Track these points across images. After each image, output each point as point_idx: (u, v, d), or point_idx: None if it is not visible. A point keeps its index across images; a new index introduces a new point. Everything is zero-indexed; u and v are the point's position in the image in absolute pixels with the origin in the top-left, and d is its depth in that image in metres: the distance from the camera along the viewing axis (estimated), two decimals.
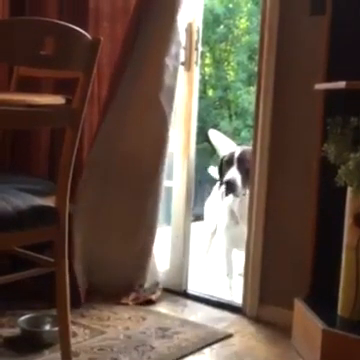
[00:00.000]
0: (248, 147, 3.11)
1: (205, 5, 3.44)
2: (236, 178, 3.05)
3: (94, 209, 2.95)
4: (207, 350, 2.50)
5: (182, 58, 2.95)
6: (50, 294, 2.17)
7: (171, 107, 2.88)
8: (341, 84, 2.21)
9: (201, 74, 4.43)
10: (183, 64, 2.99)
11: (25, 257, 2.21)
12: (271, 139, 2.74)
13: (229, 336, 2.63)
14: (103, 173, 2.94)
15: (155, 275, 3.08)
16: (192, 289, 3.14)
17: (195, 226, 3.55)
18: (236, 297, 3.05)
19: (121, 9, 2.88)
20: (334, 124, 2.32)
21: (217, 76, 7.27)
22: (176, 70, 2.87)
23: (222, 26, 7.11)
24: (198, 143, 3.36)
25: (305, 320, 2.44)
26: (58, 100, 2.04)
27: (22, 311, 2.59)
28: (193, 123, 3.09)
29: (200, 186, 5.90)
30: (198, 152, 3.38)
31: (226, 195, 3.13)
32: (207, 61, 7.20)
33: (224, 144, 3.49)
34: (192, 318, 2.82)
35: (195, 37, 3.01)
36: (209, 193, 3.71)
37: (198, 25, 3.02)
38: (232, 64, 7.30)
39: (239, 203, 3.12)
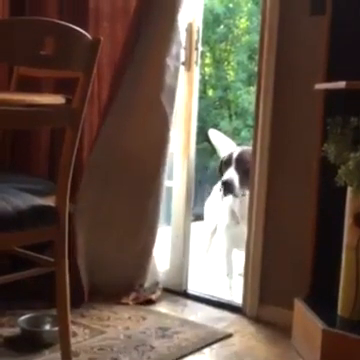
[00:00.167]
0: (248, 147, 3.11)
1: (205, 5, 3.44)
2: (233, 178, 3.05)
3: (95, 209, 2.95)
4: (207, 350, 2.50)
5: (182, 58, 2.96)
6: (50, 294, 2.17)
7: (172, 107, 2.88)
8: (341, 84, 2.21)
9: (201, 74, 4.43)
10: (183, 64, 2.99)
11: (25, 257, 2.21)
12: (271, 139, 2.74)
13: (229, 336, 2.63)
14: (104, 173, 2.94)
15: (155, 275, 3.08)
16: (192, 289, 3.14)
17: (195, 226, 3.56)
18: (236, 297, 3.05)
19: (121, 9, 2.88)
20: (334, 124, 2.32)
21: (217, 76, 7.27)
22: (177, 70, 2.87)
23: (222, 26, 7.11)
24: (198, 143, 3.37)
25: (305, 320, 2.44)
26: (58, 100, 2.04)
27: (22, 311, 2.59)
28: (193, 123, 3.09)
29: (200, 186, 5.91)
30: (198, 152, 3.39)
31: (224, 195, 3.14)
32: (207, 61, 7.20)
33: (224, 144, 3.49)
34: (192, 318, 2.82)
35: (195, 37, 3.01)
36: (209, 193, 3.71)
37: (198, 25, 3.02)
38: (232, 64, 7.30)
39: (240, 203, 3.12)
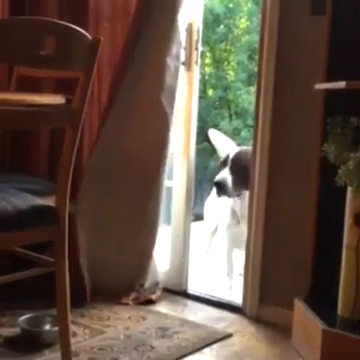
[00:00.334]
0: (247, 147, 3.11)
1: (205, 5, 3.44)
2: (226, 179, 3.06)
3: (96, 210, 2.95)
4: (207, 350, 2.50)
5: (182, 58, 2.96)
6: (50, 294, 2.17)
7: (172, 107, 2.88)
8: (341, 84, 2.21)
9: (201, 74, 4.44)
10: (183, 64, 3.00)
11: (25, 257, 2.21)
12: (271, 139, 2.74)
13: (229, 336, 2.63)
14: (104, 174, 2.94)
15: (155, 275, 3.08)
16: (192, 289, 3.14)
17: (195, 226, 3.56)
18: (236, 297, 3.05)
19: (121, 9, 2.87)
20: (334, 124, 2.32)
21: (217, 76, 7.26)
22: (177, 70, 2.87)
23: (222, 26, 7.11)
24: (198, 143, 3.37)
25: (305, 320, 2.44)
26: (58, 100, 2.04)
27: (22, 311, 2.59)
28: (193, 123, 3.09)
29: (200, 186, 5.91)
30: (198, 152, 3.39)
31: (218, 196, 3.15)
32: (207, 61, 7.20)
33: (224, 144, 3.48)
34: (192, 318, 2.82)
35: (195, 37, 3.01)
36: (209, 193, 3.71)
37: (198, 25, 3.02)
38: (232, 64, 7.30)
39: (241, 203, 3.12)
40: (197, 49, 3.03)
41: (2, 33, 1.79)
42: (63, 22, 1.94)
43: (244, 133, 6.78)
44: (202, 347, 2.51)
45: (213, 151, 4.28)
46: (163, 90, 2.85)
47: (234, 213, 3.19)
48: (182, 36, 2.88)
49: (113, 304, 2.88)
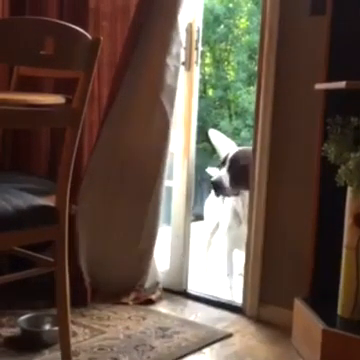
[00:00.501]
0: (247, 147, 3.11)
1: (205, 5, 3.44)
2: (223, 178, 3.06)
3: (96, 210, 2.95)
4: (207, 350, 2.50)
5: (182, 58, 2.96)
6: (50, 294, 2.17)
7: (172, 107, 2.88)
8: (341, 84, 2.21)
9: (201, 74, 4.43)
10: (183, 64, 2.99)
11: (25, 257, 2.21)
12: (271, 139, 2.74)
13: (229, 336, 2.63)
14: (105, 174, 2.94)
15: (155, 275, 3.08)
16: (192, 289, 3.14)
17: (195, 226, 3.55)
18: (236, 297, 3.05)
19: (121, 9, 2.88)
20: (334, 124, 2.32)
21: (217, 76, 7.27)
22: (177, 70, 2.87)
23: (222, 26, 7.12)
24: (198, 143, 3.37)
25: (305, 320, 2.44)
26: (58, 100, 2.04)
27: (22, 311, 2.59)
28: (193, 123, 3.09)
29: (200, 186, 5.91)
30: (198, 152, 3.39)
31: (215, 195, 3.14)
32: (207, 61, 7.21)
33: (224, 144, 3.48)
34: (192, 318, 2.82)
35: (195, 37, 3.01)
36: (209, 193, 3.71)
37: (198, 25, 3.02)
38: (232, 64, 7.31)
39: (243, 203, 3.12)
40: (197, 49, 3.03)
41: (2, 33, 1.79)
42: (63, 22, 1.94)
43: (244, 133, 6.79)
44: (202, 347, 2.51)
45: (213, 151, 4.28)
46: (163, 90, 2.85)
47: (236, 214, 3.18)
48: (182, 36, 2.87)
49: (113, 304, 2.88)
